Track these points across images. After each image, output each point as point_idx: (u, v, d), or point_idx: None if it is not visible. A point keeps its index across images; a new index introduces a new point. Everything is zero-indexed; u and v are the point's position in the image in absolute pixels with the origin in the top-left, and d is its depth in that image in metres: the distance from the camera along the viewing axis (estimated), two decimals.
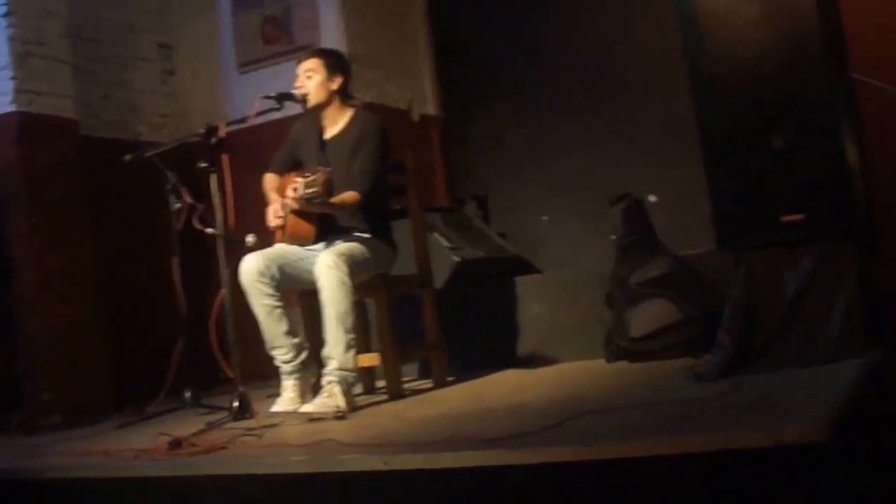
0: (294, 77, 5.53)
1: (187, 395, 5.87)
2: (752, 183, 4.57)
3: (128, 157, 5.56)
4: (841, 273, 4.41)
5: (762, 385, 4.06)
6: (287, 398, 5.21)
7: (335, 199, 5.20)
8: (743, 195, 4.60)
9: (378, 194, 5.50)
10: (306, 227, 5.33)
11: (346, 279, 5.03)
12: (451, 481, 3.51)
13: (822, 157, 4.45)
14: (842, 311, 4.36)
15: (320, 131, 5.60)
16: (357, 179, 5.33)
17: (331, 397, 5.00)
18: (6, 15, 6.68)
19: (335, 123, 5.57)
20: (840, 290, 4.39)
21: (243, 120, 5.46)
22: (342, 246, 5.23)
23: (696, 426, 3.49)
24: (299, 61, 5.57)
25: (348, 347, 5.09)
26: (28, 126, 6.67)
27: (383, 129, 5.55)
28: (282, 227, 5.41)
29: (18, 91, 6.68)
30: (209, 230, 5.29)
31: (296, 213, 5.27)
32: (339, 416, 4.85)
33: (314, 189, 4.89)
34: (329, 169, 5.10)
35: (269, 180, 5.64)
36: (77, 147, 6.96)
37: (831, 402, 3.41)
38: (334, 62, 5.57)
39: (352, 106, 5.65)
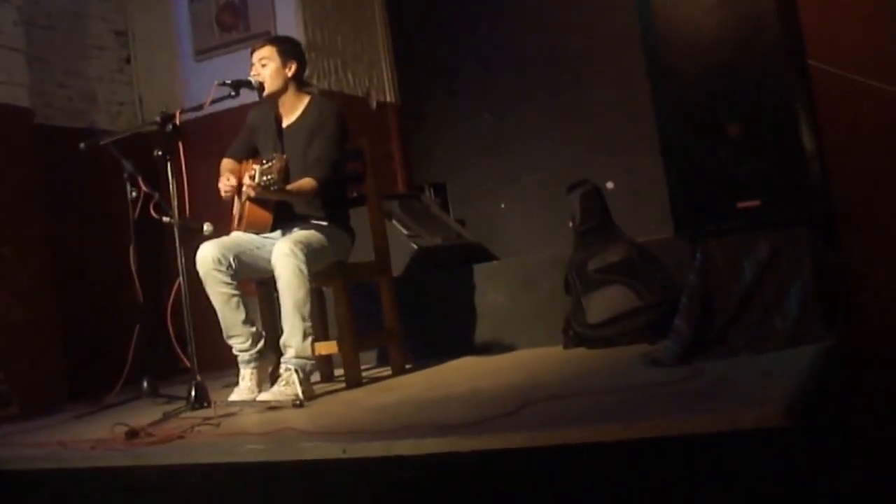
0: (250, 65, 5.50)
1: (144, 384, 5.83)
2: (709, 169, 4.59)
3: (83, 146, 5.53)
4: (797, 259, 4.43)
5: (719, 371, 4.06)
6: (245, 387, 5.18)
7: (292, 186, 5.17)
8: (699, 182, 4.62)
9: (336, 181, 5.49)
10: (263, 215, 5.30)
11: (303, 267, 5.01)
12: (409, 468, 3.51)
13: (779, 144, 4.48)
14: (798, 296, 4.38)
15: (278, 119, 5.56)
16: (314, 166, 5.31)
17: (288, 385, 4.98)
18: None
19: (292, 111, 5.54)
20: (796, 276, 4.41)
21: (199, 107, 5.42)
22: (299, 234, 5.22)
23: (653, 411, 3.49)
24: (253, 50, 5.53)
25: (306, 335, 5.08)
26: None
27: (341, 115, 5.53)
28: (238, 214, 5.39)
29: None
30: (165, 219, 5.26)
31: (252, 200, 5.23)
32: (297, 404, 4.83)
33: (270, 176, 4.87)
34: (285, 156, 5.08)
35: (226, 164, 5.60)
36: (32, 136, 6.89)
37: (788, 387, 3.42)
38: (288, 49, 5.54)
39: (308, 93, 5.63)
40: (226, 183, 5.36)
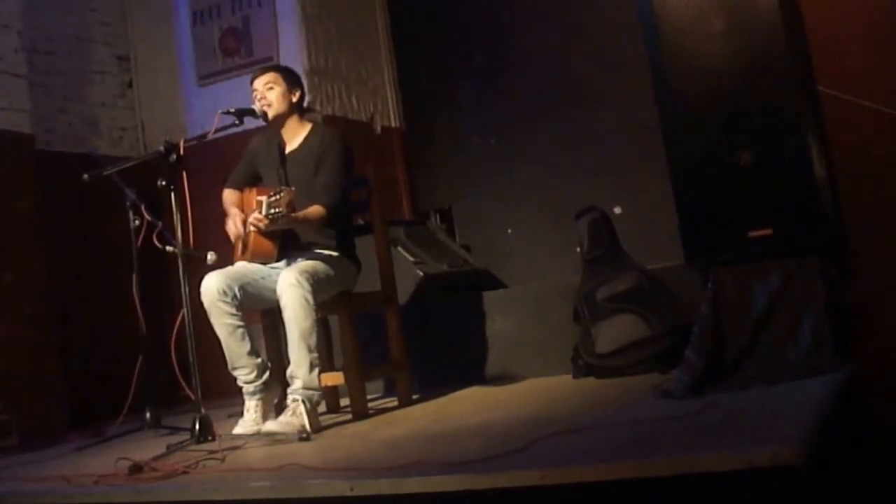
0: (252, 91, 5.44)
1: (147, 415, 5.78)
2: (720, 197, 4.54)
3: (86, 176, 5.43)
4: (810, 288, 4.38)
5: (731, 403, 4.01)
6: (249, 419, 5.14)
7: (299, 214, 5.11)
8: (710, 209, 4.57)
9: (342, 210, 5.44)
10: (268, 246, 5.25)
11: (309, 297, 4.96)
12: None
13: (790, 171, 4.43)
14: (811, 327, 4.33)
15: (280, 146, 5.53)
16: (321, 193, 5.27)
17: (295, 416, 4.93)
18: None
19: (295, 138, 5.52)
20: (809, 306, 4.36)
21: (203, 136, 5.38)
22: (304, 263, 5.16)
23: (665, 448, 3.44)
24: (256, 76, 5.49)
25: (312, 366, 5.03)
26: None
27: (345, 141, 5.51)
28: (243, 243, 5.33)
29: None
30: (168, 248, 5.21)
31: (257, 230, 5.18)
32: (304, 437, 4.77)
33: (279, 209, 4.84)
34: (293, 189, 5.02)
35: (228, 195, 5.57)
36: (33, 162, 6.85)
37: (802, 422, 3.37)
38: (292, 77, 5.55)
39: (310, 120, 5.60)
40: (235, 225, 5.33)
